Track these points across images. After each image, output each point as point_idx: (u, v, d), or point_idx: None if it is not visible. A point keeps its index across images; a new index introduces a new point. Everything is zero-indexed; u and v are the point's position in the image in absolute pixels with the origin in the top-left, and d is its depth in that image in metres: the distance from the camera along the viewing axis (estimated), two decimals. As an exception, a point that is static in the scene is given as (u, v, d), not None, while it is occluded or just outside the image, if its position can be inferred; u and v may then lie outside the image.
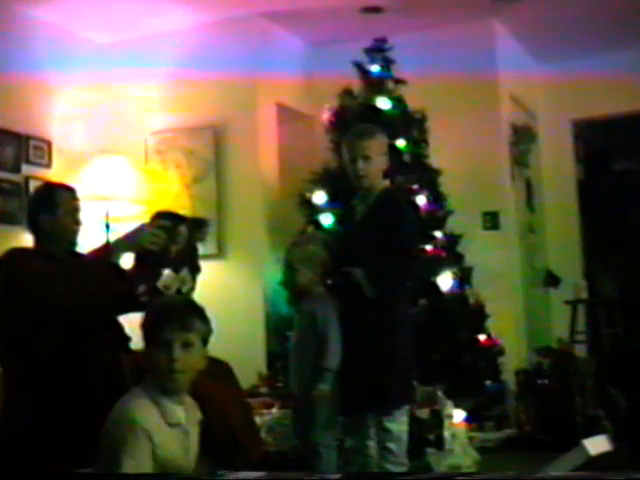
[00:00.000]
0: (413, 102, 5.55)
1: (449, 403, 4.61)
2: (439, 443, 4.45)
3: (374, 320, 3.57)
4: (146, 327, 2.73)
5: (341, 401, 3.61)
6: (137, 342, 2.97)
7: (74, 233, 3.48)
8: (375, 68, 5.54)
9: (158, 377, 2.66)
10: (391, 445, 3.58)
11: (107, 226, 5.31)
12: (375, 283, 3.51)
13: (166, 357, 2.63)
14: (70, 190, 3.53)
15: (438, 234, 5.39)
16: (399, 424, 3.61)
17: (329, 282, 3.77)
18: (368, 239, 3.62)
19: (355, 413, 3.66)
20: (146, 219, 3.38)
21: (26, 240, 5.16)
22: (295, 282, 3.76)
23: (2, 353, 3.23)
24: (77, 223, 3.48)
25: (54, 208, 3.40)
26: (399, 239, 3.57)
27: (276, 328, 5.42)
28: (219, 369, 3.24)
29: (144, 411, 2.58)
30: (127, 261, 3.29)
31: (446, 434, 4.48)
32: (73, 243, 3.49)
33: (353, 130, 3.84)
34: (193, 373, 2.70)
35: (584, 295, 6.35)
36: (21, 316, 3.15)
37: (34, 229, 3.46)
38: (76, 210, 3.48)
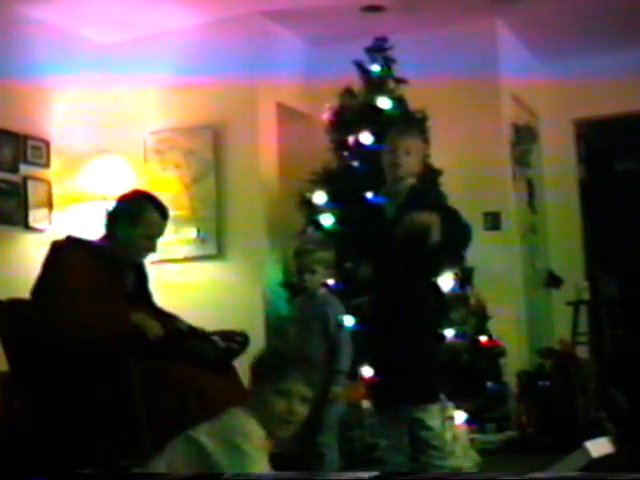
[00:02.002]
0: (414, 102, 5.53)
1: (450, 404, 4.59)
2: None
3: (415, 318, 3.53)
4: (264, 368, 2.61)
5: (377, 396, 3.65)
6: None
7: (141, 256, 3.36)
8: (376, 68, 5.52)
9: (269, 423, 2.53)
10: (436, 442, 3.51)
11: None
12: (445, 226, 3.36)
13: (286, 408, 2.52)
14: (162, 212, 3.35)
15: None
16: (437, 420, 3.54)
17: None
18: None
19: (395, 406, 3.56)
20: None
21: (24, 240, 5.19)
22: (311, 284, 3.77)
23: (5, 352, 3.19)
24: (149, 249, 3.34)
25: (136, 222, 3.26)
26: (452, 214, 3.56)
27: (276, 328, 5.40)
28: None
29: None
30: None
31: (447, 436, 4.45)
32: (137, 261, 3.39)
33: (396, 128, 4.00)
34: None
35: (586, 296, 6.32)
36: (43, 316, 3.08)
37: (109, 226, 3.35)
38: (156, 235, 3.33)
